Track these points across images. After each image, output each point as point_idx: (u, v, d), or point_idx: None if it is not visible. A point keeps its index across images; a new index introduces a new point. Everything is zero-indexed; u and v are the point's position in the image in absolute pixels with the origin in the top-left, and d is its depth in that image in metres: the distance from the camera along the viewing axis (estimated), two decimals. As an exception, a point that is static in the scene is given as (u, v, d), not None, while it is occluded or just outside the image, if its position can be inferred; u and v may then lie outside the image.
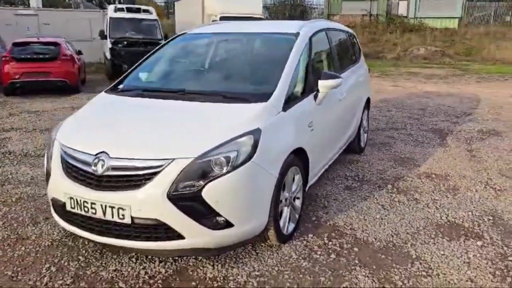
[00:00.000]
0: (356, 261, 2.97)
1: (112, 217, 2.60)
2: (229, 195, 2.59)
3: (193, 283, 2.73)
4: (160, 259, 2.96)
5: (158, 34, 14.00)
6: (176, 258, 2.96)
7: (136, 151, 2.65)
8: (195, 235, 2.59)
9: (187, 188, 2.53)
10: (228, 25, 4.44)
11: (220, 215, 2.58)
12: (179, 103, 3.16)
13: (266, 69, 3.48)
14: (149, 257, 2.99)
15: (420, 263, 2.94)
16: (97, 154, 2.68)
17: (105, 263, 2.95)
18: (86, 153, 2.75)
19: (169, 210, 2.53)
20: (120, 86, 3.67)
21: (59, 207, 2.88)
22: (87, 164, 2.71)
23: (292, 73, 3.29)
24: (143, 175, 2.57)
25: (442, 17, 23.37)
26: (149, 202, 2.55)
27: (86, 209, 2.67)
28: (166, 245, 2.62)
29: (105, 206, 2.60)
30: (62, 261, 2.99)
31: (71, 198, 2.73)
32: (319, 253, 3.07)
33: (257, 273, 2.83)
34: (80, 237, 2.95)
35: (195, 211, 2.55)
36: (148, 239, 2.62)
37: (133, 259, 2.98)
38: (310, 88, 3.50)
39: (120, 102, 3.40)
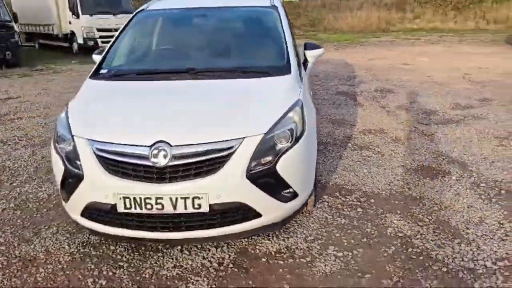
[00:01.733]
0: (381, 210, 3.33)
1: (185, 208, 2.43)
2: (295, 167, 2.65)
3: (263, 260, 2.75)
4: (215, 245, 2.87)
5: (5, 14, 12.00)
6: (226, 242, 2.90)
7: (199, 135, 2.49)
8: (271, 211, 2.60)
9: (262, 165, 2.51)
10: (188, 0, 4.22)
11: (290, 187, 2.63)
12: (202, 82, 3.01)
13: (267, 43, 3.51)
14: (199, 246, 2.87)
15: (427, 201, 3.45)
16: (153, 144, 2.44)
17: (157, 262, 2.74)
18: (138, 145, 2.46)
19: (250, 190, 2.49)
20: (104, 72, 3.27)
21: (103, 211, 2.54)
22: (142, 157, 2.44)
23: (293, 45, 3.40)
24: (216, 158, 2.45)
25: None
26: (229, 186, 2.46)
27: (149, 206, 2.43)
28: (243, 227, 2.57)
29: (176, 199, 2.41)
30: (104, 272, 2.67)
31: (125, 197, 2.44)
32: (345, 210, 3.34)
33: (311, 238, 2.97)
34: (132, 239, 2.67)
35: (271, 187, 2.55)
36: (222, 225, 2.52)
37: (185, 252, 2.83)
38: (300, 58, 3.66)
39: (131, 87, 3.05)
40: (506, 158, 4.32)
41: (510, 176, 3.88)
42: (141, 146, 2.46)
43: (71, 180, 2.61)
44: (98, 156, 2.52)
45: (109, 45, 3.52)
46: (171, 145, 2.43)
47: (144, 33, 3.85)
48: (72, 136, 2.64)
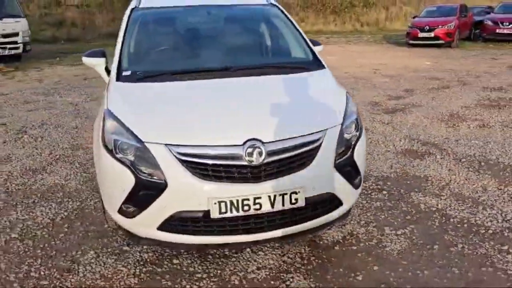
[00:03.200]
0: (402, 190, 3.63)
1: (283, 205, 2.39)
2: (363, 154, 2.77)
3: (336, 248, 2.82)
4: (281, 243, 2.84)
5: None
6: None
7: (288, 129, 2.46)
8: (348, 198, 2.67)
9: (343, 154, 2.58)
10: None
11: (360, 174, 2.75)
12: (247, 79, 2.93)
13: (285, 39, 3.55)
14: (268, 246, 2.82)
15: (432, 179, 3.86)
16: (245, 143, 2.34)
17: (236, 268, 2.64)
18: (229, 145, 2.34)
19: (338, 180, 2.54)
20: (129, 73, 2.98)
21: (191, 220, 2.36)
22: (235, 157, 2.33)
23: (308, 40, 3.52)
24: (307, 151, 2.45)
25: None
26: (322, 178, 2.48)
27: (246, 207, 2.34)
28: (331, 216, 2.60)
29: (274, 196, 2.36)
30: (188, 286, 2.47)
31: (221, 202, 2.31)
32: (373, 194, 3.57)
33: (363, 222, 3.13)
34: (223, 245, 2.52)
35: (350, 175, 2.63)
36: (314, 217, 2.53)
37: (259, 253, 2.76)
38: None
39: (177, 87, 2.82)
40: (463, 136, 5.00)
41: (478, 151, 4.52)
42: (233, 146, 2.34)
43: (148, 191, 2.36)
44: (182, 161, 2.32)
45: (118, 46, 3.21)
46: (263, 142, 2.36)
47: (152, 31, 3.57)
48: (143, 143, 2.38)
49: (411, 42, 14.41)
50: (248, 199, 2.33)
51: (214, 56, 3.28)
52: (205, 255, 2.75)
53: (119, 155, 2.43)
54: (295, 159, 2.43)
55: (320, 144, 2.49)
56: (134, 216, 2.45)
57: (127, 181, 2.39)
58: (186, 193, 2.32)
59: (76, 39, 19.13)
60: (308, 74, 3.11)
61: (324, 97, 2.85)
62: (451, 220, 3.13)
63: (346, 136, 2.62)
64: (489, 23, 14.59)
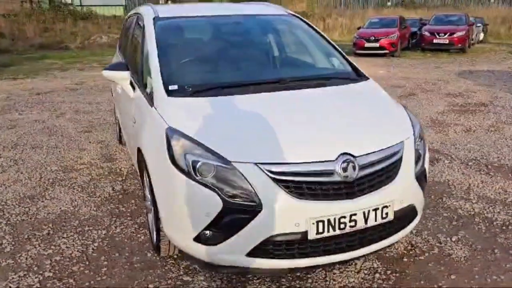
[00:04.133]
0: (433, 196, 3.69)
1: (375, 220, 2.31)
2: (427, 162, 2.77)
3: (405, 259, 2.79)
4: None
5: None
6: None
7: (374, 142, 2.38)
8: (420, 208, 2.66)
9: (417, 165, 2.57)
10: (203, 7, 3.79)
11: (426, 182, 2.75)
12: (301, 91, 2.82)
13: (319, 49, 3.47)
14: (340, 263, 2.71)
15: (453, 184, 3.97)
16: (338, 157, 2.24)
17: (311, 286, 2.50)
18: (322, 161, 2.22)
19: (417, 191, 2.53)
20: (176, 88, 2.74)
21: (286, 243, 2.20)
22: (328, 173, 2.21)
23: None
24: (392, 164, 2.40)
25: (108, 4, 23.79)
26: (407, 189, 2.45)
27: (343, 225, 2.23)
28: (409, 228, 2.57)
29: (367, 212, 2.28)
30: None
31: (319, 221, 2.18)
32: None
33: (415, 231, 3.12)
34: (317, 267, 2.36)
35: (423, 185, 2.62)
36: (398, 230, 2.48)
37: (334, 271, 2.65)
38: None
39: (238, 102, 2.62)
40: (456, 141, 5.24)
41: (478, 154, 4.75)
42: (326, 161, 2.22)
43: (238, 215, 2.16)
44: (276, 181, 2.16)
45: (153, 58, 2.94)
46: (355, 156, 2.27)
47: (186, 42, 3.33)
48: (230, 162, 2.18)
49: (358, 51, 15.03)
50: (344, 217, 2.22)
51: (258, 67, 3.14)
52: (278, 279, 2.59)
53: (199, 177, 2.21)
54: (384, 172, 2.36)
55: (402, 156, 2.45)
56: (216, 243, 2.24)
57: (212, 205, 2.18)
58: (284, 214, 2.16)
59: (5, 51, 17.66)
60: (359, 85, 3.06)
61: (388, 108, 2.82)
62: (495, 223, 3.23)
63: (417, 146, 2.61)
64: (427, 34, 15.62)
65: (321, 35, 3.55)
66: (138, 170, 3.16)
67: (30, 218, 3.45)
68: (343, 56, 3.36)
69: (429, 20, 17.22)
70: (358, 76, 3.18)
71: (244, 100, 2.65)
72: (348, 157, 2.25)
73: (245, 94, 2.70)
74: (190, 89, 2.73)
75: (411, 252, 2.87)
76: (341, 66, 3.30)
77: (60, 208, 3.62)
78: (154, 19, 3.36)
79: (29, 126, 6.19)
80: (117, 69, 3.18)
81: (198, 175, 2.21)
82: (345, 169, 2.22)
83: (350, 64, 3.30)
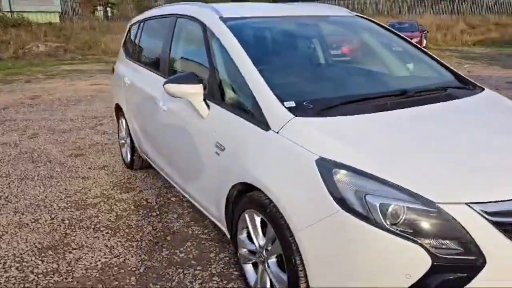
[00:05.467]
0: None
1: None
2: None
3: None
4: None
5: None
6: None
7: None
8: None
9: None
10: (261, 7, 3.16)
11: None
12: (449, 104, 2.35)
13: (413, 55, 3.01)
14: None
15: None
16: None
17: None
18: None
19: None
20: (293, 105, 2.13)
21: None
22: None
23: None
24: None
25: (42, 11, 21.92)
26: None
27: None
28: None
29: None
30: None
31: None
32: None
33: None
34: None
35: None
36: None
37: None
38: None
39: (385, 120, 2.07)
40: None
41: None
42: None
43: (452, 275, 1.62)
44: (497, 224, 1.65)
45: (248, 69, 2.31)
46: None
47: (275, 48, 2.71)
48: (434, 204, 1.64)
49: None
50: None
51: (369, 77, 2.62)
52: None
53: (389, 225, 1.64)
54: None
55: None
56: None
57: (416, 262, 1.62)
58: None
59: None
60: (482, 96, 2.62)
61: None
62: None
63: None
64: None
65: (404, 39, 3.11)
66: (228, 223, 2.49)
67: (66, 279, 2.64)
68: (441, 63, 2.94)
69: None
70: (473, 85, 2.76)
71: (392, 118, 2.11)
72: None
73: (385, 111, 2.16)
74: (311, 106, 2.14)
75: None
76: (447, 75, 2.86)
77: (99, 260, 2.83)
78: (222, 20, 2.72)
79: (0, 152, 5.13)
80: (188, 81, 2.51)
81: (388, 222, 1.65)
82: None
83: (452, 72, 2.88)
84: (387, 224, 1.64)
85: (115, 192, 3.91)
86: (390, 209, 1.64)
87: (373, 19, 3.30)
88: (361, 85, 2.55)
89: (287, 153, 1.95)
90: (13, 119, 6.76)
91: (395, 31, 3.19)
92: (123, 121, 4.38)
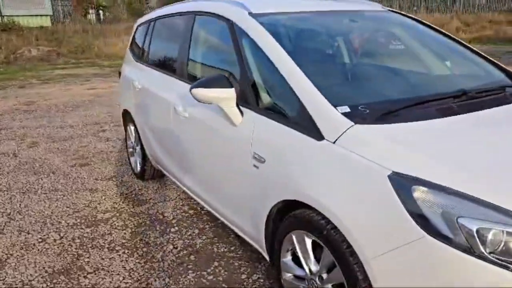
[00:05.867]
0: None
1: None
2: None
3: None
4: None
5: None
6: None
7: None
8: None
9: None
10: (297, 2, 2.88)
11: None
12: (503, 108, 2.07)
13: (454, 52, 2.75)
14: None
15: None
16: None
17: None
18: None
19: None
20: (346, 110, 1.86)
21: None
22: None
23: None
24: None
25: (33, 15, 21.47)
26: None
27: None
28: None
29: None
30: None
31: None
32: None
33: None
34: None
35: None
36: None
37: None
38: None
39: (453, 128, 1.79)
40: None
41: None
42: None
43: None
44: None
45: (291, 69, 2.04)
46: None
47: (311, 47, 2.44)
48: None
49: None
50: None
51: (420, 76, 2.35)
52: None
53: (487, 253, 1.38)
54: None
55: None
56: None
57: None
58: None
59: None
60: None
61: None
62: None
63: None
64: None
65: (446, 34, 2.86)
66: (268, 244, 2.21)
67: (84, 309, 2.34)
68: (488, 60, 2.68)
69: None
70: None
71: (463, 124, 1.85)
72: None
73: (452, 116, 1.89)
74: (367, 110, 1.87)
75: None
76: (495, 71, 2.61)
77: (118, 286, 2.54)
78: (251, 16, 2.45)
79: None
80: (218, 85, 2.22)
81: (488, 250, 1.38)
82: None
83: (502, 69, 2.63)
84: (486, 253, 1.37)
85: (127, 206, 3.62)
86: (490, 235, 1.37)
87: (406, 13, 3.05)
88: (416, 86, 2.29)
89: (349, 167, 1.68)
90: (9, 127, 6.42)
91: (433, 26, 2.93)
92: (132, 128, 4.08)
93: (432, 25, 2.93)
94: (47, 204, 3.66)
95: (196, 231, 3.15)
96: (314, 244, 1.91)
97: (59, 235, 3.14)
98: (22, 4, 21.32)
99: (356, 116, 1.82)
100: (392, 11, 3.05)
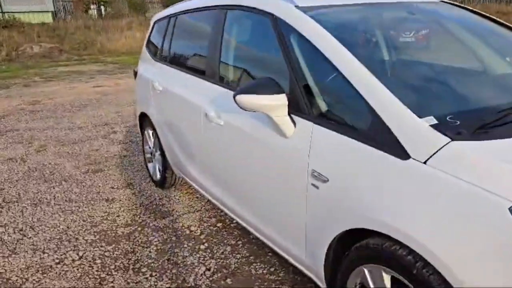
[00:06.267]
0: None
1: None
2: None
3: None
4: None
5: None
6: None
7: None
8: None
9: None
10: None
11: None
12: None
13: None
14: None
15: None
16: None
17: None
18: None
19: None
20: (433, 122, 1.55)
21: None
22: None
23: None
24: None
25: (34, 11, 21.13)
26: None
27: None
28: None
29: None
30: None
31: None
32: None
33: None
34: None
35: None
36: None
37: None
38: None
39: None
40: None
41: None
42: None
43: None
44: None
45: (364, 73, 1.72)
46: None
47: (381, 44, 2.13)
48: None
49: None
50: None
51: (500, 78, 2.03)
52: None
53: None
54: None
55: None
56: None
57: None
58: None
59: None
60: None
61: None
62: None
63: None
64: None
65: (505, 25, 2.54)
66: (328, 275, 1.90)
67: None
68: None
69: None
70: None
71: None
72: None
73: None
74: (457, 122, 1.56)
75: None
76: None
77: (150, 318, 2.24)
78: (299, 9, 2.13)
79: (7, 169, 4.50)
80: (266, 91, 1.91)
81: None
82: None
83: None
84: None
85: (149, 218, 3.31)
86: None
87: (460, 4, 2.73)
88: (500, 90, 1.96)
89: (450, 194, 1.37)
90: (15, 129, 6.12)
91: (494, 17, 2.61)
92: (150, 132, 3.78)
93: (494, 18, 2.61)
94: (61, 218, 3.36)
95: (228, 248, 2.85)
96: (393, 279, 1.61)
97: (78, 254, 2.84)
98: (23, 1, 20.97)
99: (447, 129, 1.50)
100: (449, 3, 2.73)
